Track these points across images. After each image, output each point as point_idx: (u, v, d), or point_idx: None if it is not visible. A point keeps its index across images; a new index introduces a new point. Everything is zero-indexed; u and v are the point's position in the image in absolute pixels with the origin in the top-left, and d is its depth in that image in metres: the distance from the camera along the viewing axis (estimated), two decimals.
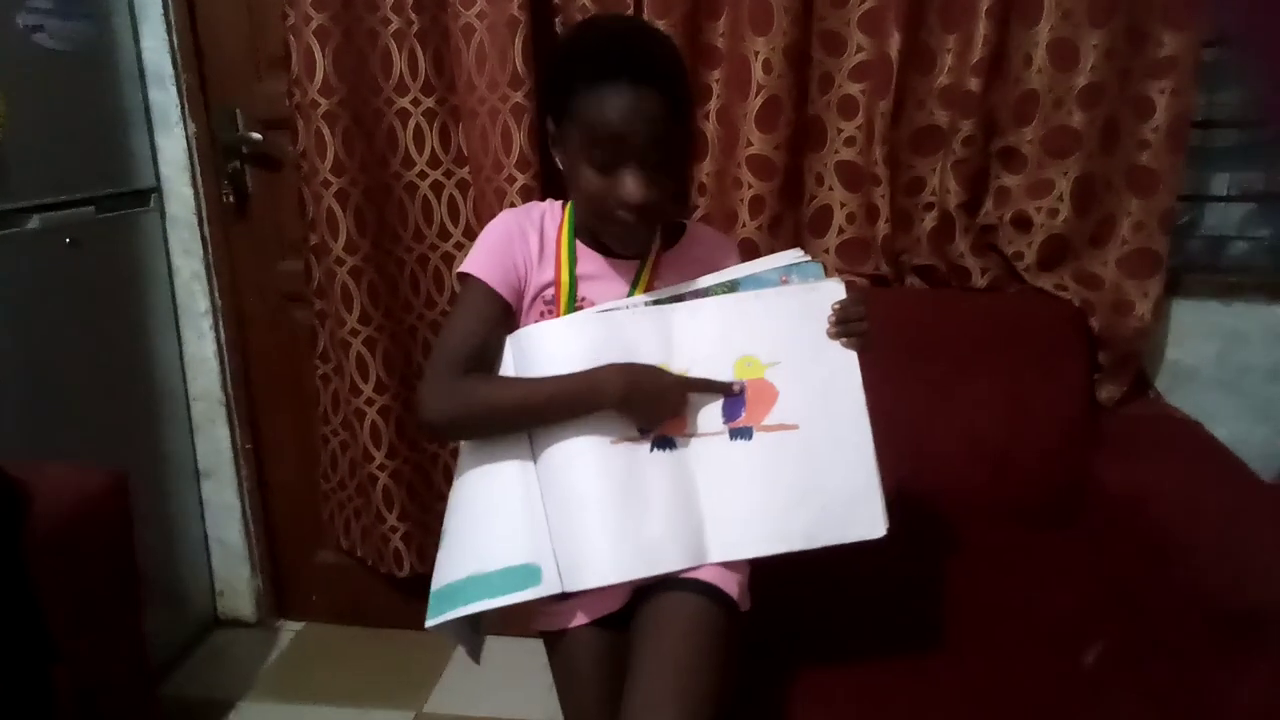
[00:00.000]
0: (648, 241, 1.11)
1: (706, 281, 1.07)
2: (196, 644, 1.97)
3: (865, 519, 1.01)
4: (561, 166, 1.07)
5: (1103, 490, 1.39)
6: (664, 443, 1.02)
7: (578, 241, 1.11)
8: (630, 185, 0.98)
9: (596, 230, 1.09)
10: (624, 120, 0.96)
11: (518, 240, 1.09)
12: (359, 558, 1.88)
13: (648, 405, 1.00)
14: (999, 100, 1.49)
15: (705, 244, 1.18)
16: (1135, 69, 1.43)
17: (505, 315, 1.08)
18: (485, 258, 1.08)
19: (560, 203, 1.14)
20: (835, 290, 1.05)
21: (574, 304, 1.09)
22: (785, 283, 1.06)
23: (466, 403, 1.02)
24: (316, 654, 1.96)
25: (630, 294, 1.09)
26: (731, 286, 1.06)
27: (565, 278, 1.09)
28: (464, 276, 1.08)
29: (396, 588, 1.87)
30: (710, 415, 1.03)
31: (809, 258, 1.08)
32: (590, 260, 1.10)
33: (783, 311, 1.04)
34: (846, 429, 1.03)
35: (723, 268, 1.09)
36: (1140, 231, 1.49)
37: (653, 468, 1.01)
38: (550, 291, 1.09)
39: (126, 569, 1.31)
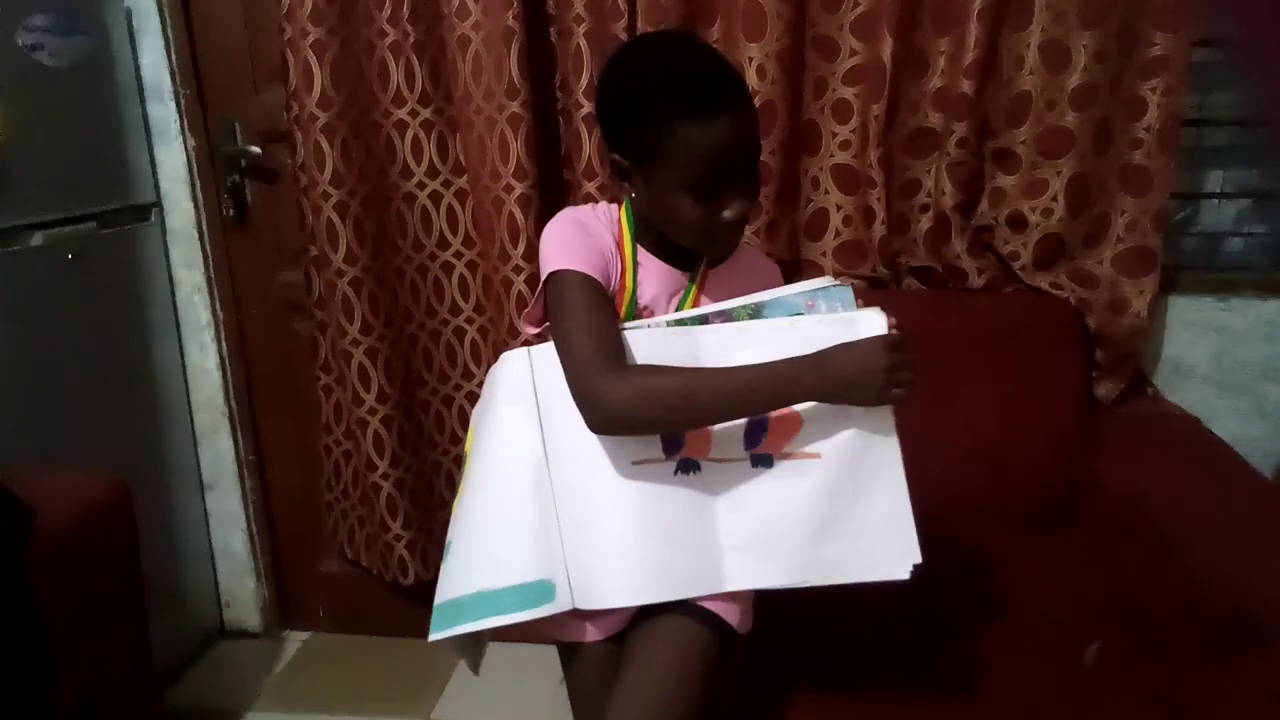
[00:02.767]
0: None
1: (730, 304, 1.02)
2: (202, 654, 1.98)
3: (894, 556, 0.96)
4: (632, 195, 1.04)
5: (1101, 491, 1.40)
6: (688, 465, 1.00)
7: (639, 247, 1.07)
8: (739, 207, 1.00)
9: (692, 245, 1.06)
10: (731, 150, 0.96)
11: (595, 231, 1.05)
12: (363, 567, 1.88)
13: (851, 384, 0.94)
14: (992, 102, 1.50)
15: (750, 263, 1.16)
16: (1127, 69, 1.44)
17: (610, 300, 1.03)
18: (569, 251, 1.01)
19: (616, 205, 1.11)
20: (874, 323, 0.97)
21: (634, 310, 1.06)
22: (811, 307, 1.00)
23: (653, 391, 0.94)
24: (322, 663, 1.97)
25: (680, 305, 1.07)
26: (755, 311, 1.01)
27: (630, 283, 1.05)
28: (554, 276, 1.00)
29: (401, 596, 1.88)
30: (732, 440, 0.99)
31: (837, 282, 1.03)
32: (649, 267, 1.07)
33: (816, 339, 0.97)
34: (875, 462, 0.97)
35: (766, 288, 1.04)
36: (1134, 230, 1.49)
37: (675, 490, 0.99)
38: (615, 295, 1.06)
39: (130, 577, 1.31)
